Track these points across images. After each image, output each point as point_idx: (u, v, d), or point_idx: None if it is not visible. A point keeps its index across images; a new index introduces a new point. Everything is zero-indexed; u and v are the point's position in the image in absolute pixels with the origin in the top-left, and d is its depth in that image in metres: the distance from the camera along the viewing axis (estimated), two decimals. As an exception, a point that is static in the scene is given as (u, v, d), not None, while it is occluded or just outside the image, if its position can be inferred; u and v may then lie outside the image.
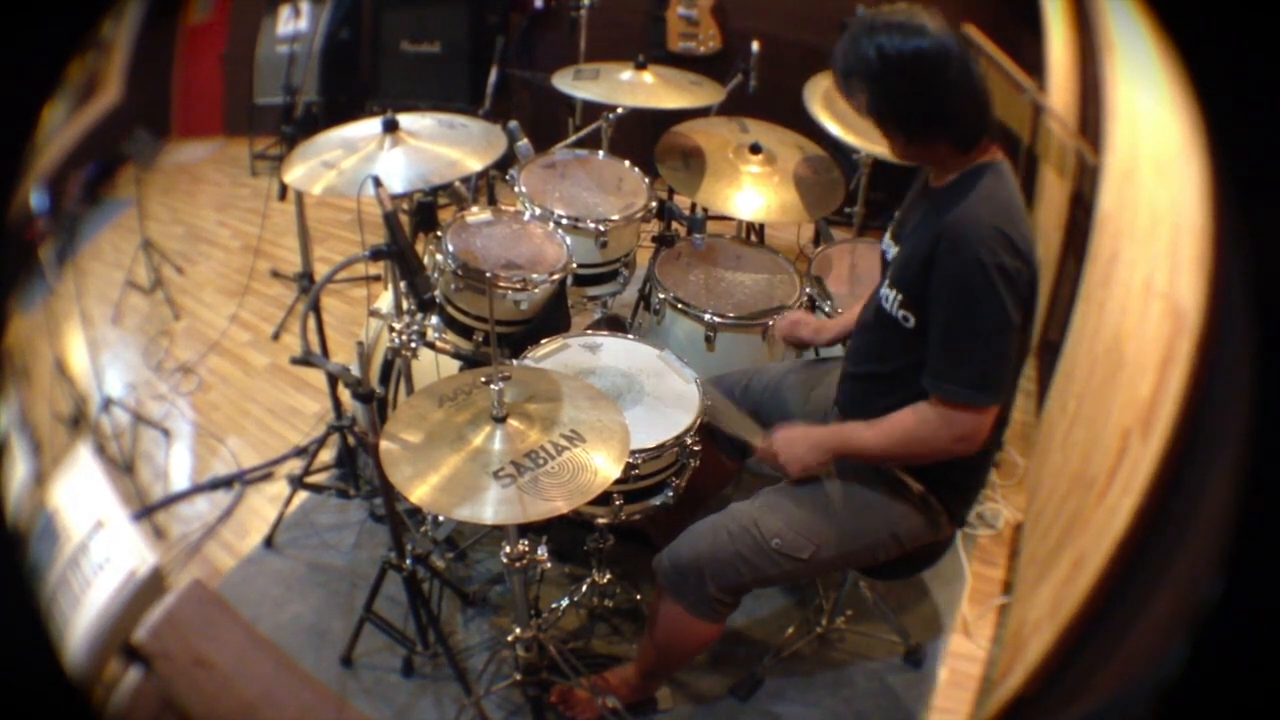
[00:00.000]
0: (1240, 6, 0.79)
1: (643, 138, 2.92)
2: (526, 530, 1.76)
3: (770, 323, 2.30)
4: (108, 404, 2.78)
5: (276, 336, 3.36)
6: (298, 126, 3.78)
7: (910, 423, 1.59)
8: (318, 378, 3.02)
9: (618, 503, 1.88)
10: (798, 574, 1.77)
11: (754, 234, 3.09)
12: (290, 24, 4.12)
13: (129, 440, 2.80)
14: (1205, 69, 0.81)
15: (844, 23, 1.58)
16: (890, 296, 1.63)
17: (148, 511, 2.59)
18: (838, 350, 2.09)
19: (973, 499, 1.81)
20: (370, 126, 2.05)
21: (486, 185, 3.27)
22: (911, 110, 1.50)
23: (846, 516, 1.74)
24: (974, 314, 1.49)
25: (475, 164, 2.02)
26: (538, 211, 2.39)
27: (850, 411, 1.79)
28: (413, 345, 2.03)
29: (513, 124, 2.37)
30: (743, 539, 1.73)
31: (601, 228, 2.37)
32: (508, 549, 1.74)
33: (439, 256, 2.14)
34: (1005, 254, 1.45)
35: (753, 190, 2.49)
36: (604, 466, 1.52)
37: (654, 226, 2.62)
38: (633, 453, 1.79)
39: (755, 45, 2.92)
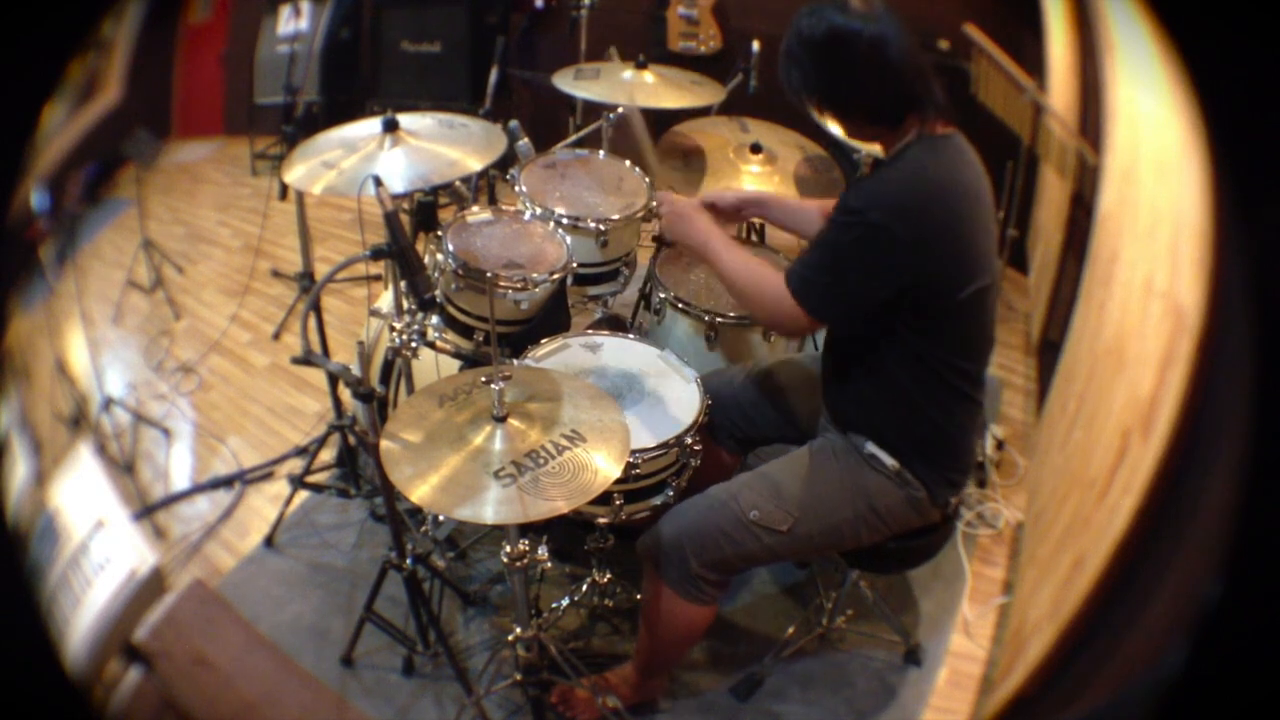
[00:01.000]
0: (1240, 6, 0.79)
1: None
2: (527, 530, 1.76)
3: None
4: (108, 404, 2.79)
5: (277, 336, 3.36)
6: (298, 126, 3.78)
7: (764, 276, 1.70)
8: (318, 377, 3.02)
9: (618, 502, 1.88)
10: (780, 549, 1.78)
11: (754, 234, 3.09)
12: (290, 24, 4.12)
13: (129, 440, 2.80)
14: (1205, 69, 0.81)
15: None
16: None
17: (148, 511, 2.59)
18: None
19: (954, 481, 1.80)
20: (370, 126, 2.05)
21: (487, 185, 3.27)
22: (828, 90, 1.59)
23: (823, 489, 1.77)
24: (839, 247, 1.59)
25: (475, 164, 2.02)
26: (538, 211, 2.39)
27: (829, 389, 1.85)
28: (413, 345, 2.03)
29: (513, 124, 2.37)
30: (722, 512, 1.76)
31: (602, 227, 2.37)
32: (508, 549, 1.74)
33: (439, 256, 2.14)
34: (890, 216, 1.51)
35: (753, 190, 2.49)
36: (604, 466, 1.52)
37: (654, 226, 2.62)
38: (633, 452, 1.78)
39: (755, 45, 2.92)
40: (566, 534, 2.33)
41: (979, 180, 1.62)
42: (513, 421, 1.57)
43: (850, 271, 1.57)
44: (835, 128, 1.69)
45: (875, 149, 1.76)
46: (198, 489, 2.68)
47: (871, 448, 1.75)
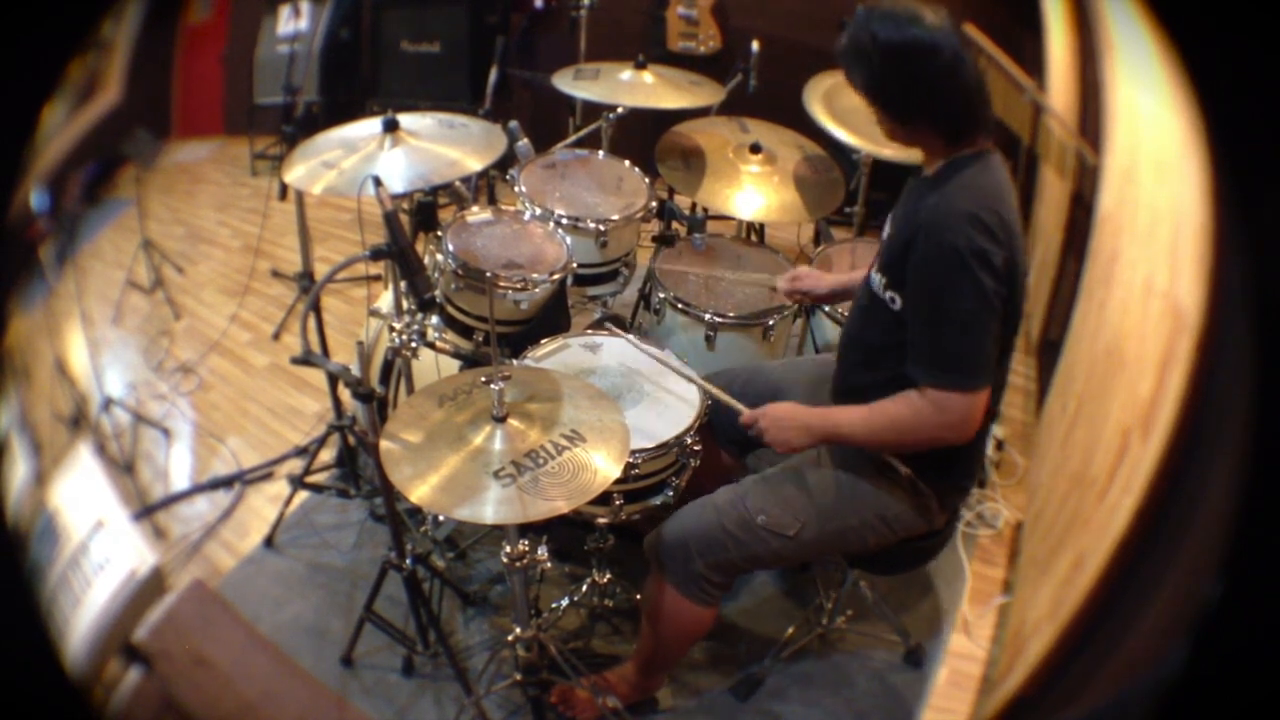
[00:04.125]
0: (1240, 6, 0.79)
1: (643, 138, 2.92)
2: (527, 530, 1.76)
3: (770, 322, 2.30)
4: (108, 404, 2.79)
5: (277, 336, 3.36)
6: (298, 126, 3.78)
7: (901, 410, 1.60)
8: (318, 377, 3.02)
9: (618, 502, 1.88)
10: (785, 553, 1.77)
11: (754, 234, 3.09)
12: (290, 24, 4.12)
13: (129, 440, 2.80)
14: (1205, 69, 0.81)
15: (843, 22, 1.61)
16: (878, 280, 1.68)
17: (148, 511, 2.59)
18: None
19: (964, 487, 1.80)
20: (370, 126, 2.05)
21: (486, 185, 3.27)
22: (898, 97, 1.57)
23: (833, 495, 1.76)
24: (953, 300, 1.52)
25: (475, 164, 2.02)
26: (538, 211, 2.39)
27: (841, 388, 1.83)
28: (413, 345, 2.03)
29: (513, 124, 2.37)
30: (729, 515, 1.76)
31: (602, 227, 2.37)
32: (508, 549, 1.74)
33: (439, 256, 2.14)
34: (980, 238, 1.48)
35: (753, 190, 2.49)
36: (604, 466, 1.52)
37: (654, 226, 2.62)
38: (633, 452, 1.79)
39: (755, 45, 2.92)
40: (566, 534, 2.33)
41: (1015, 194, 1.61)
42: (512, 421, 1.57)
43: (984, 316, 1.52)
44: (883, 129, 1.64)
45: (907, 154, 1.75)
46: (197, 489, 2.68)
47: (885, 456, 1.74)
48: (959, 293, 1.50)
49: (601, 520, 1.94)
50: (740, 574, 1.85)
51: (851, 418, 1.67)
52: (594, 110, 2.80)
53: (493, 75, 2.98)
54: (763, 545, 1.74)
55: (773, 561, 1.82)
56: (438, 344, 2.14)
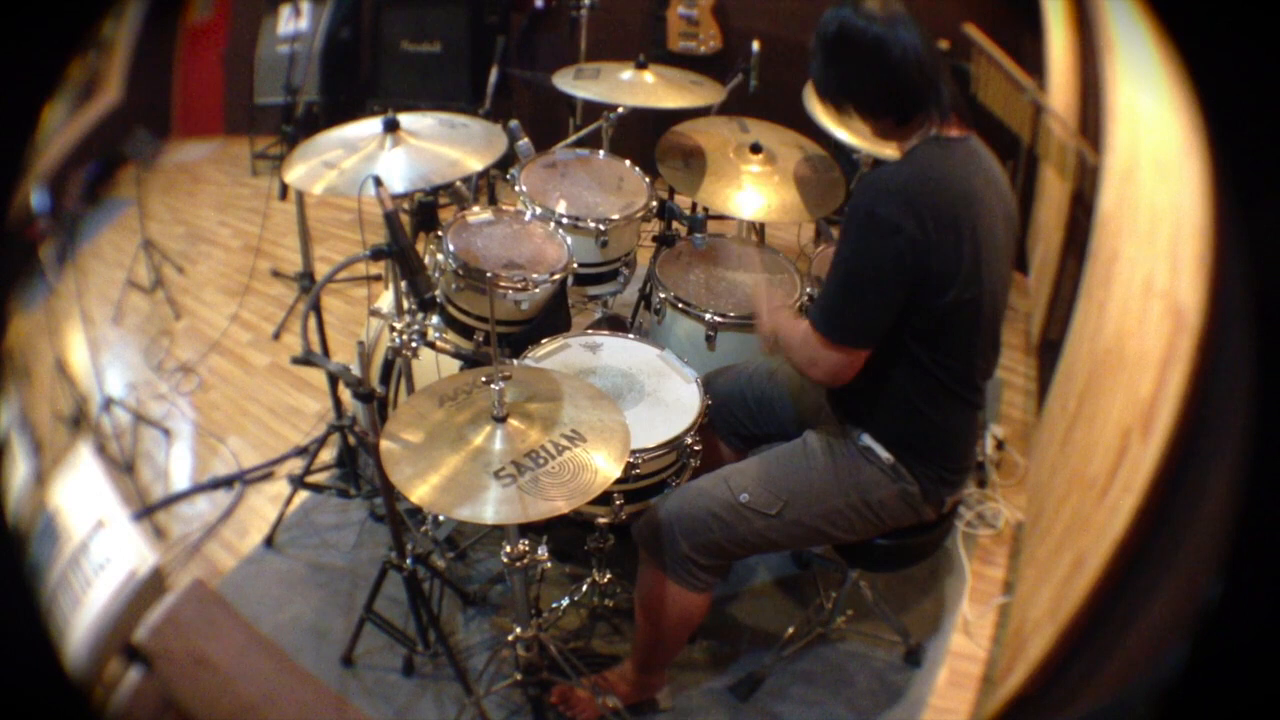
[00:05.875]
0: (1240, 6, 0.79)
1: (643, 137, 2.93)
2: (527, 530, 1.77)
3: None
4: (108, 404, 2.79)
5: (277, 336, 3.36)
6: (298, 126, 3.78)
7: (795, 326, 1.70)
8: (318, 377, 3.02)
9: (618, 502, 1.88)
10: (771, 534, 1.78)
11: (754, 233, 3.09)
12: (290, 24, 4.12)
13: (129, 440, 2.80)
14: (1205, 69, 0.81)
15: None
16: None
17: (148, 511, 2.59)
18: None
19: (951, 480, 1.79)
20: (371, 126, 2.05)
21: (487, 185, 3.27)
22: (830, 82, 1.63)
23: (815, 475, 1.78)
24: (846, 256, 1.58)
25: (476, 164, 2.02)
26: (538, 211, 2.39)
27: (835, 393, 1.85)
28: (413, 345, 2.03)
29: (513, 123, 2.37)
30: (713, 495, 1.78)
31: (602, 227, 2.37)
32: (508, 549, 1.74)
33: (440, 256, 2.14)
34: (889, 206, 1.51)
35: (753, 190, 2.49)
36: (604, 466, 1.52)
37: (654, 226, 2.62)
38: (633, 452, 1.79)
39: (755, 45, 2.92)
40: (566, 534, 2.33)
41: (990, 186, 1.61)
42: (513, 421, 1.57)
43: (865, 280, 1.56)
44: (846, 128, 1.70)
45: (892, 152, 1.76)
46: (198, 489, 2.68)
47: (867, 440, 1.76)
48: (853, 253, 1.57)
49: (602, 520, 1.94)
50: (730, 558, 1.85)
51: (785, 324, 1.77)
52: (594, 110, 2.80)
53: (493, 75, 2.98)
54: (746, 525, 1.76)
55: (759, 543, 1.82)
56: (438, 344, 2.14)
